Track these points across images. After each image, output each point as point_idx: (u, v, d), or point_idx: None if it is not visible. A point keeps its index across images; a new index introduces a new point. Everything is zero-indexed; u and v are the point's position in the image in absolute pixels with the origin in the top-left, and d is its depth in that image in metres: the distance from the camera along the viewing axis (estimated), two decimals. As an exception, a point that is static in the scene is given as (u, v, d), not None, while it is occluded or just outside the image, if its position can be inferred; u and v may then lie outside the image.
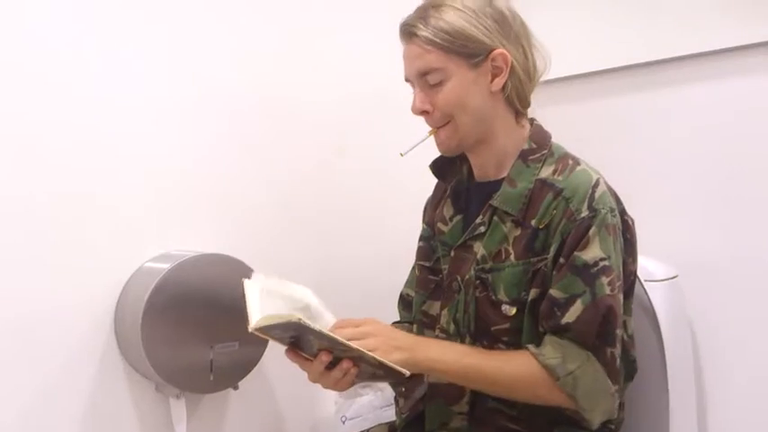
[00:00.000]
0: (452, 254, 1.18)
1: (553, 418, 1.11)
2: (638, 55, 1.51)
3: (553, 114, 1.24)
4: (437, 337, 1.18)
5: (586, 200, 1.08)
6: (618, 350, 1.07)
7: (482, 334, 1.13)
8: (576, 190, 1.10)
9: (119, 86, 1.38)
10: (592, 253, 1.06)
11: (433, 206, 1.30)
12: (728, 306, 1.41)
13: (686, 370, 1.38)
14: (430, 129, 1.17)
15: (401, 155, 1.16)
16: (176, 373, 1.33)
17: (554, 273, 1.08)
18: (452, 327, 1.16)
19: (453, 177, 1.25)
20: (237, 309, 1.05)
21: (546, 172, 1.14)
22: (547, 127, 1.21)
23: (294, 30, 1.59)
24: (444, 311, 1.18)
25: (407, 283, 1.35)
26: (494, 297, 1.12)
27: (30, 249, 1.29)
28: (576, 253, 1.07)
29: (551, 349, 1.06)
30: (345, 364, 1.03)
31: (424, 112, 1.15)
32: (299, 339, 1.03)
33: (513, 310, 1.10)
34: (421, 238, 1.31)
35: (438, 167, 1.27)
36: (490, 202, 1.15)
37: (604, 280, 1.06)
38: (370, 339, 1.03)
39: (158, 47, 1.42)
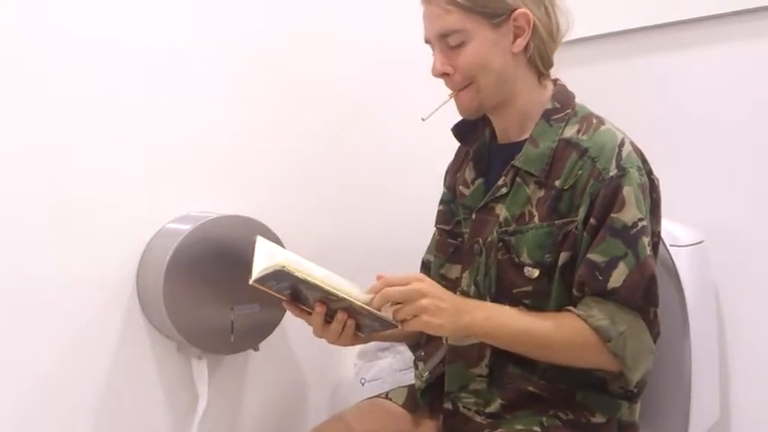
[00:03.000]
0: (474, 216, 1.17)
1: (575, 382, 1.10)
2: (668, 14, 1.47)
3: (579, 75, 1.21)
4: None
5: (614, 159, 1.07)
6: (659, 310, 1.07)
7: (503, 296, 1.12)
8: (601, 149, 1.08)
9: (136, 48, 1.37)
10: (630, 214, 1.05)
11: (453, 170, 1.29)
12: (754, 272, 1.38)
13: (709, 335, 1.37)
14: (450, 92, 1.15)
15: (423, 119, 1.14)
16: (198, 334, 1.34)
17: (585, 235, 1.06)
18: (473, 289, 1.15)
19: (475, 141, 1.24)
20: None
21: (570, 131, 1.12)
22: (572, 87, 1.18)
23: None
24: (465, 274, 1.17)
25: (429, 249, 1.34)
26: (516, 259, 1.11)
27: (53, 212, 1.29)
28: (613, 215, 1.05)
29: (598, 311, 1.04)
30: (340, 316, 1.03)
31: (444, 75, 1.14)
32: (297, 292, 1.03)
33: (536, 273, 1.09)
34: (441, 202, 1.30)
35: (460, 131, 1.25)
36: (512, 162, 1.13)
37: (645, 240, 1.05)
38: (421, 300, 1.00)
39: (176, 8, 1.41)
